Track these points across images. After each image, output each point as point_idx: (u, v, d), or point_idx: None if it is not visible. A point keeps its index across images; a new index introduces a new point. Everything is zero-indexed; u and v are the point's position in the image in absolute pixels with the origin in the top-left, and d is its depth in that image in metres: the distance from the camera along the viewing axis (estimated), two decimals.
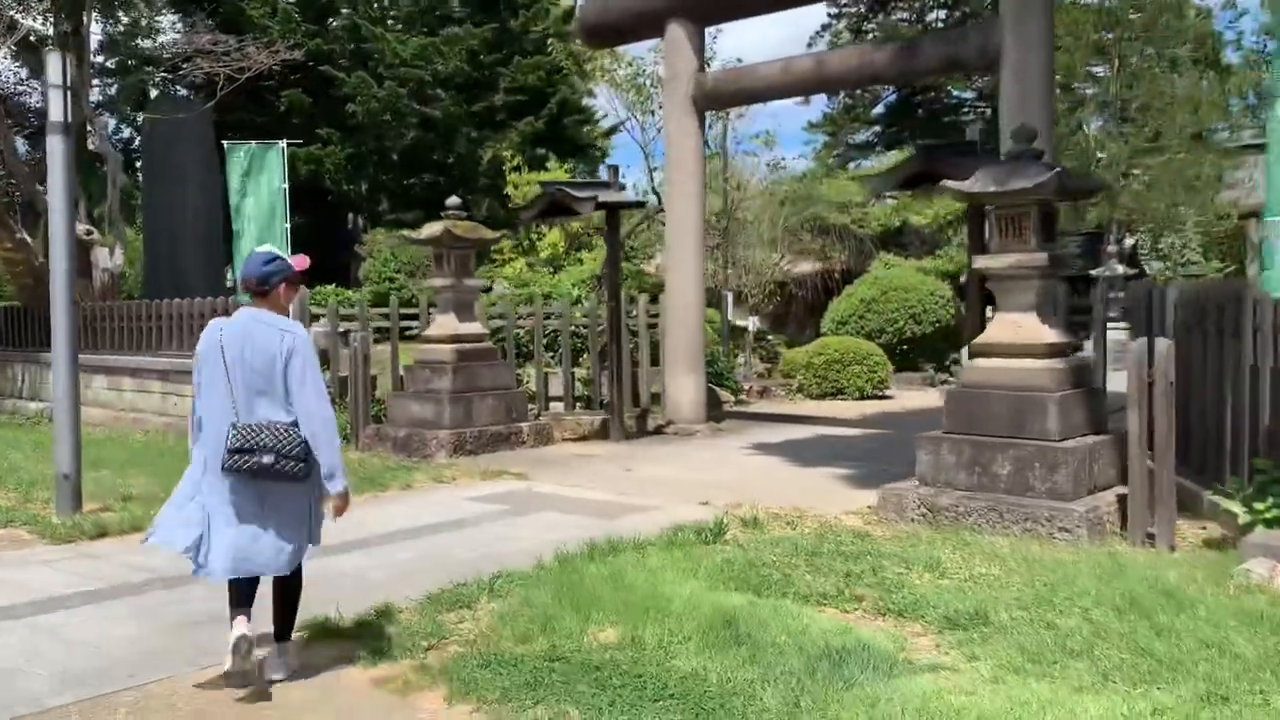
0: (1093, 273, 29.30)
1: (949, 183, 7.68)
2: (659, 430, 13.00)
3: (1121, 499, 7.15)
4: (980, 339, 7.83)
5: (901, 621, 5.31)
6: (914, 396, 18.64)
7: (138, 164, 23.78)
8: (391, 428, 11.88)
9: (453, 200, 12.06)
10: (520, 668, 4.63)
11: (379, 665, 4.85)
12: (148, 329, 15.28)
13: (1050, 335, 7.56)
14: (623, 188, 11.93)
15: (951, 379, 21.36)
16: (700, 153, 12.87)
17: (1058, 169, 7.42)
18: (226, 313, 14.09)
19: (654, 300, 14.07)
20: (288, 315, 4.84)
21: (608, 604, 5.41)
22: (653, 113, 20.79)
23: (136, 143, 25.45)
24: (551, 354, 14.63)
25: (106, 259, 17.60)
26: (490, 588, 5.90)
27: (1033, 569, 6.06)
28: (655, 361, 14.07)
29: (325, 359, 13.14)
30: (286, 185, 12.75)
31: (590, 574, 6.02)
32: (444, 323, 11.96)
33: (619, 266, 12.32)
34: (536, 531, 7.52)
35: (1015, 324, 7.63)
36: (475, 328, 12.18)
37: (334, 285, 17.06)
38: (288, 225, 12.65)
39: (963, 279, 23.68)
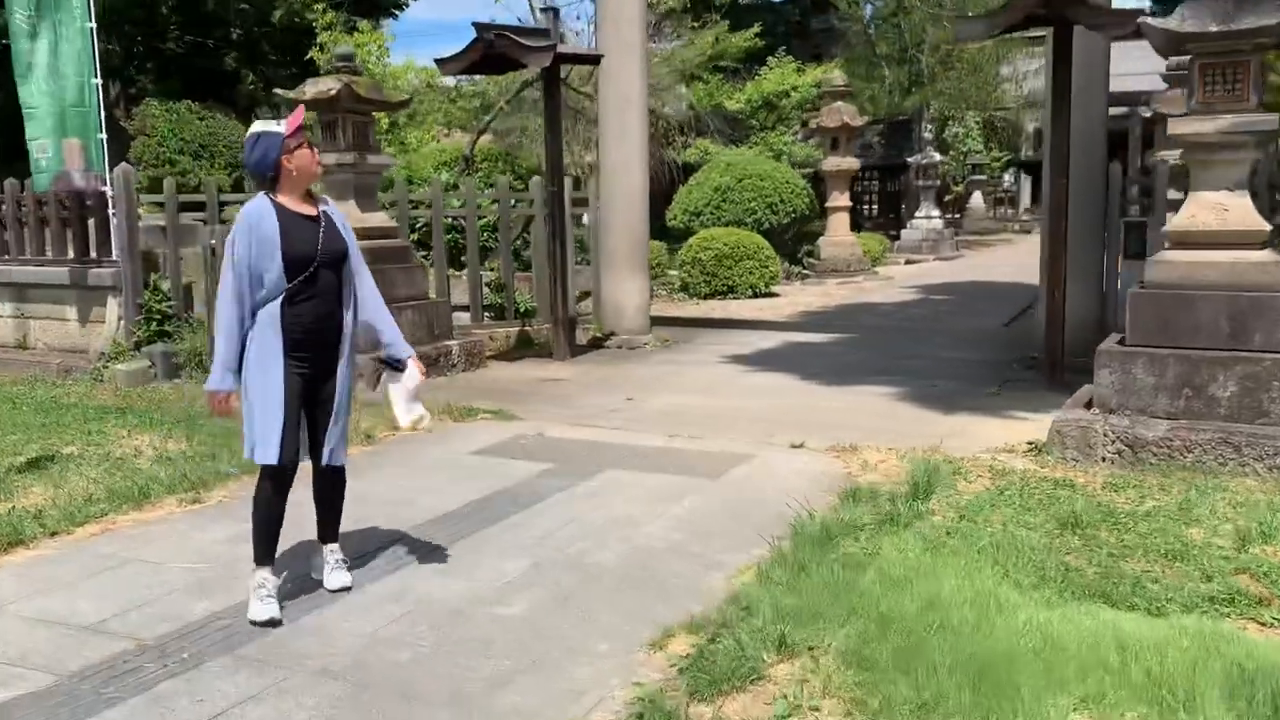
0: (909, 160, 29.07)
1: (1151, 20, 5.89)
2: (598, 344, 10.78)
3: None
4: (1175, 225, 6.19)
5: None
6: (799, 293, 17.24)
7: None
8: None
9: (344, 49, 9.13)
10: None
11: None
12: None
13: (1262, 221, 6.04)
14: (563, 38, 9.38)
15: (808, 272, 20.27)
16: None
17: None
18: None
19: (576, 186, 11.65)
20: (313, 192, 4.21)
21: (951, 659, 3.39)
22: None
23: None
24: (425, 253, 11.93)
25: None
26: (737, 629, 3.70)
27: None
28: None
29: (154, 262, 9.91)
30: (94, 25, 9.22)
31: (866, 590, 3.95)
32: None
33: (560, 140, 9.81)
34: (641, 507, 5.30)
35: (1220, 207, 6.03)
36: (382, 219, 9.42)
37: None
38: (97, 81, 9.17)
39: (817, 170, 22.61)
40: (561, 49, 8.91)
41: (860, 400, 8.02)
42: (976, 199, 37.27)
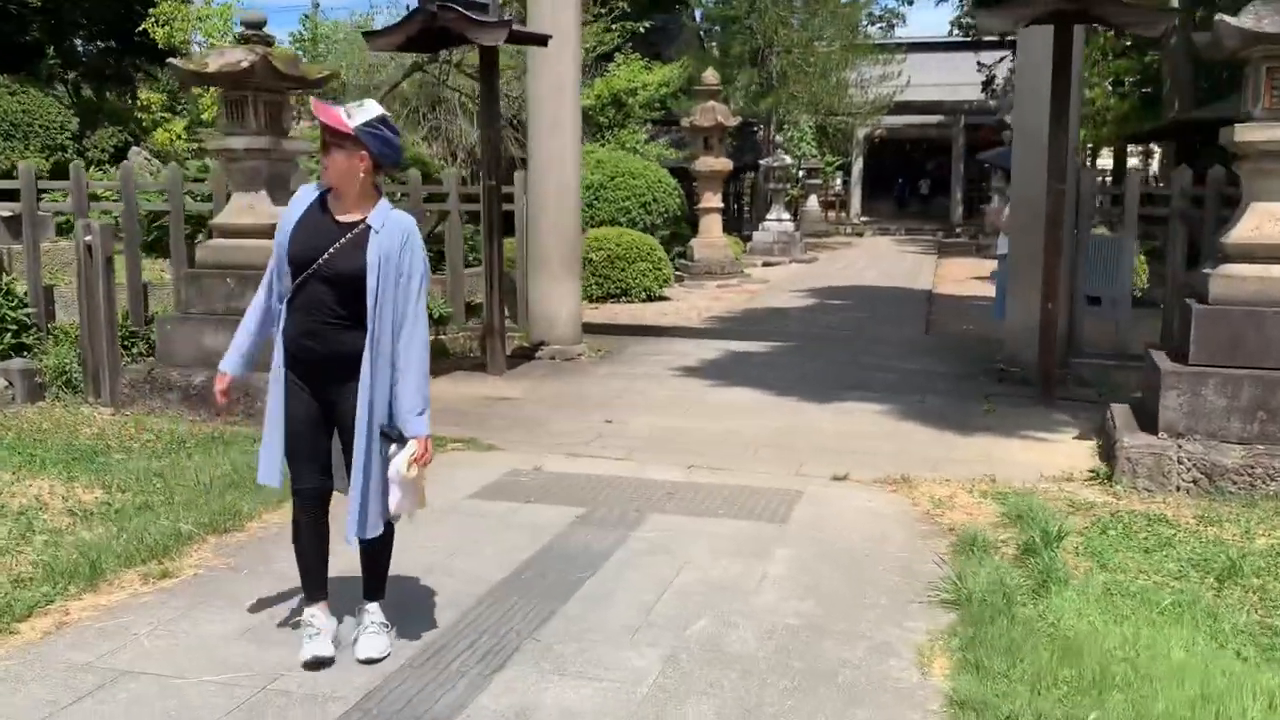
0: (761, 163, 29.07)
1: (1228, 19, 5.50)
2: (527, 354, 9.78)
3: None
4: (1238, 238, 5.83)
5: None
6: (685, 295, 16.64)
7: None
8: (175, 370, 7.61)
9: (255, 15, 7.81)
10: None
11: None
12: None
13: None
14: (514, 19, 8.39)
15: (681, 274, 19.72)
16: None
17: None
18: None
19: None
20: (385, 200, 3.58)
21: None
22: None
23: None
24: None
25: None
26: None
27: None
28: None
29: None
30: None
31: (1103, 679, 3.28)
32: (252, 205, 7.77)
33: (498, 130, 8.75)
34: (729, 565, 4.47)
35: None
36: None
37: None
38: None
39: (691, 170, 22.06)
40: (518, 27, 7.90)
41: (855, 420, 7.41)
42: (812, 202, 37.85)
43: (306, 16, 22.16)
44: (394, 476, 3.39)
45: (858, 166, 41.82)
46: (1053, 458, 6.31)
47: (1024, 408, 7.69)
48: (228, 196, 8.36)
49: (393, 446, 3.43)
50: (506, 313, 10.16)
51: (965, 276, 20.02)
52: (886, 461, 6.16)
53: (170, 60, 7.85)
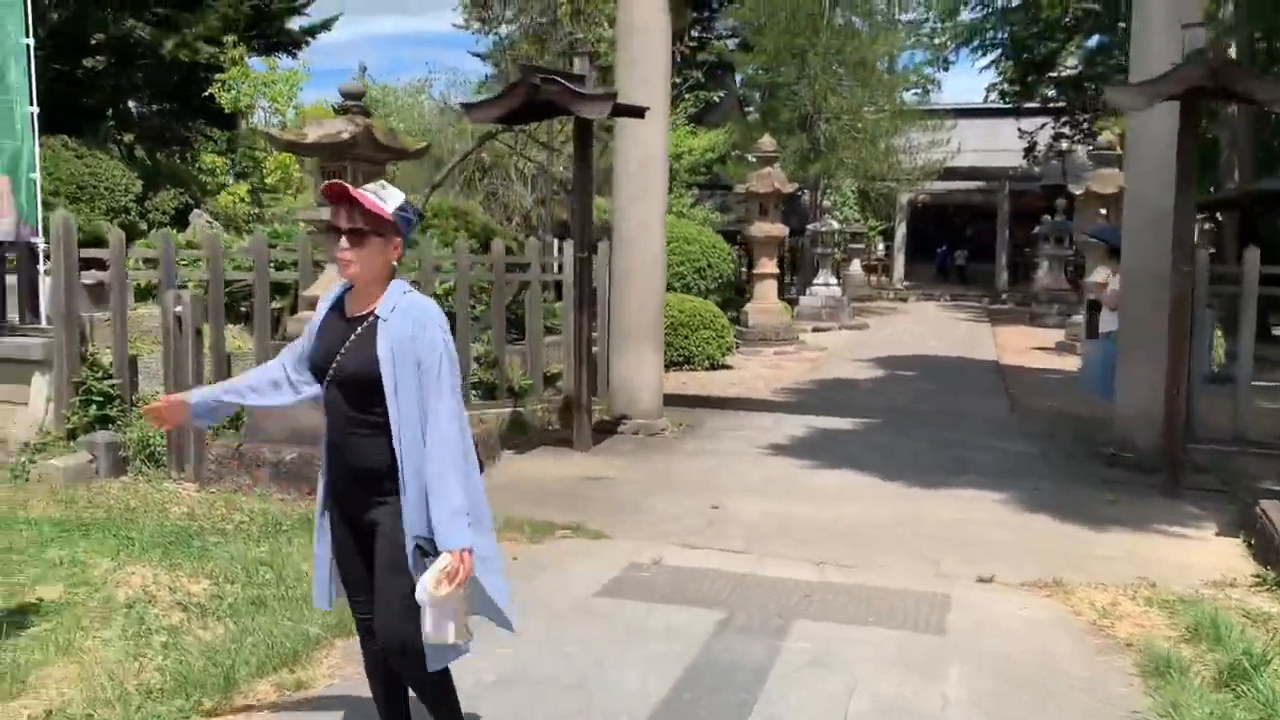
0: (809, 227, 28.94)
1: None
2: (609, 428, 9.50)
3: None
4: None
5: None
6: (746, 363, 16.35)
7: None
8: (265, 446, 7.39)
9: (354, 86, 7.69)
10: None
11: None
12: None
13: None
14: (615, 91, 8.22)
15: (738, 340, 19.45)
16: (668, 33, 9.29)
17: None
18: None
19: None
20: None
21: None
22: None
23: None
24: None
25: None
26: None
27: None
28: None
29: (82, 330, 8.10)
30: (32, 41, 7.41)
31: None
32: None
33: (591, 199, 8.59)
34: (900, 685, 4.12)
35: None
36: None
37: None
38: (34, 110, 7.35)
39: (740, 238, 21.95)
40: (622, 100, 7.73)
41: (972, 509, 7.06)
42: (855, 266, 37.67)
43: (355, 79, 22.36)
44: (422, 596, 2.84)
45: (900, 231, 41.69)
46: (1201, 557, 5.94)
47: (1148, 498, 7.31)
48: (312, 265, 8.22)
49: (427, 560, 2.92)
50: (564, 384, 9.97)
51: (1025, 346, 19.65)
52: (1024, 559, 5.82)
53: (271, 131, 7.73)
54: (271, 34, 19.25)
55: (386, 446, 2.97)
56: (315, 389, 3.18)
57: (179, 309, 7.56)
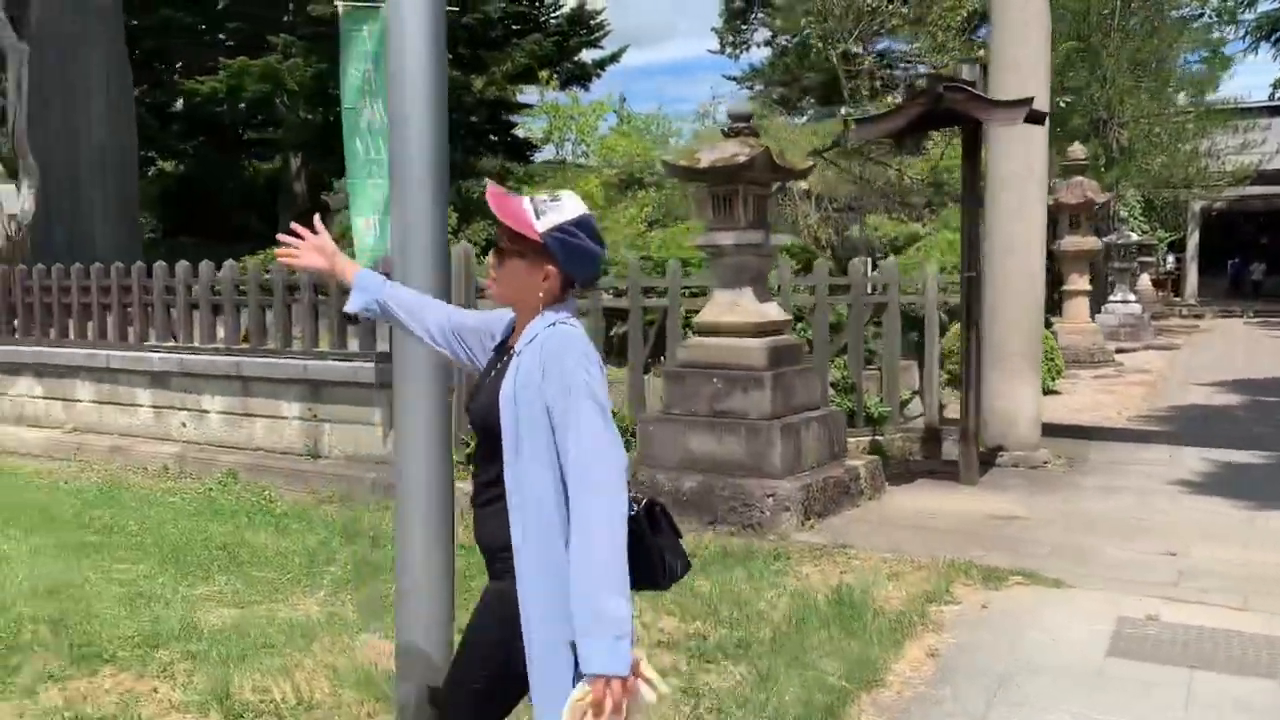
0: (1105, 240, 27.06)
1: None
2: (984, 459, 8.86)
3: None
4: None
5: None
6: (1070, 387, 15.17)
7: None
8: (660, 473, 7.27)
9: (742, 107, 7.50)
10: None
11: None
12: (125, 306, 10.06)
13: None
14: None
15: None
16: (1049, 33, 8.59)
17: None
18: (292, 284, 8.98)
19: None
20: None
21: None
22: None
23: None
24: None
25: (14, 200, 11.82)
26: None
27: None
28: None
29: None
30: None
31: None
32: (737, 303, 7.39)
33: (979, 216, 8.04)
34: None
35: None
36: (777, 311, 7.67)
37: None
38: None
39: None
40: (1037, 106, 7.19)
41: None
42: (1144, 281, 34.98)
43: (614, 111, 22.63)
44: None
45: (1193, 242, 38.46)
46: None
47: None
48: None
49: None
50: (913, 408, 9.43)
51: None
52: None
53: (664, 158, 7.69)
54: (570, 68, 19.72)
55: (522, 517, 2.28)
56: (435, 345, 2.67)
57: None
